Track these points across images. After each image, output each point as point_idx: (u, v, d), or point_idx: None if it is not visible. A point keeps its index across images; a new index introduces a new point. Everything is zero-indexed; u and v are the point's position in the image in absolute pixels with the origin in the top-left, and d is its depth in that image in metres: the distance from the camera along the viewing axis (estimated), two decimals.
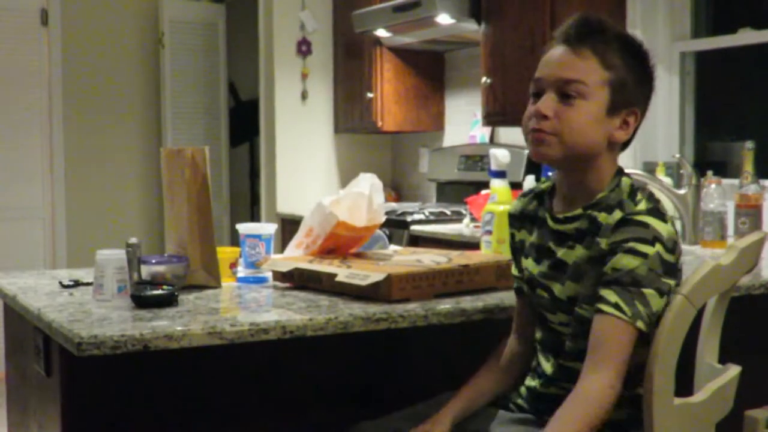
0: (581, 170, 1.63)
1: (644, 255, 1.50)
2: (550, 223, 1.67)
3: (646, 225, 1.52)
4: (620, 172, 1.64)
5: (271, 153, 5.34)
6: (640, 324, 1.49)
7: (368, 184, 2.20)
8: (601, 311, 1.51)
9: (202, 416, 1.86)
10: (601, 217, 1.58)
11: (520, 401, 1.75)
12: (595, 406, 1.48)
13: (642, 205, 1.56)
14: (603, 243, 1.55)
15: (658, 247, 1.51)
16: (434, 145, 5.19)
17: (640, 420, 1.55)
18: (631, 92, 1.60)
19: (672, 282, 1.54)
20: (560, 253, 1.64)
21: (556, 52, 1.61)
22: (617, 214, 1.56)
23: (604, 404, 1.48)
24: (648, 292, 1.50)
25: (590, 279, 1.58)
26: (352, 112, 5.23)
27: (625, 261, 1.51)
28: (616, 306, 1.50)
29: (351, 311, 1.76)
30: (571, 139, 1.58)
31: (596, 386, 1.48)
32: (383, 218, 2.21)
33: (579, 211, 1.62)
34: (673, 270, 1.54)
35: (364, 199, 2.17)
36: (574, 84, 1.57)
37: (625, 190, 1.60)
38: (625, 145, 1.67)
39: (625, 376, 1.51)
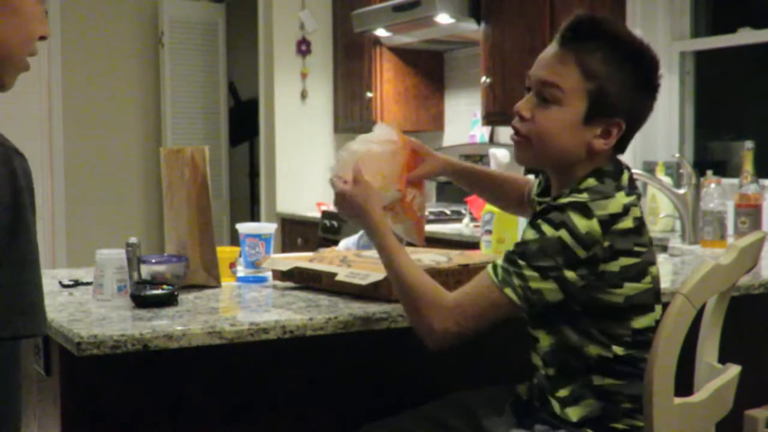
0: (558, 172, 1.65)
1: (542, 233, 1.50)
2: (536, 204, 1.73)
3: (561, 209, 1.51)
4: (595, 172, 1.60)
5: (270, 153, 5.35)
6: (508, 291, 1.50)
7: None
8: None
9: (202, 416, 1.86)
10: None
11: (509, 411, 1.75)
12: (427, 304, 1.54)
13: (571, 197, 1.54)
14: None
15: (562, 232, 1.49)
16: (434, 144, 5.19)
17: (614, 414, 1.58)
18: (614, 102, 1.56)
19: (570, 274, 1.49)
20: None
21: (547, 51, 1.62)
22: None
23: (429, 315, 1.54)
24: (529, 273, 1.49)
25: None
26: (351, 112, 5.23)
27: (526, 233, 1.53)
28: (494, 267, 1.52)
29: (351, 311, 1.76)
30: (539, 144, 1.60)
31: (442, 303, 1.53)
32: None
33: (549, 199, 1.64)
34: (575, 263, 1.49)
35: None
36: (550, 88, 1.58)
37: (575, 186, 1.58)
38: (620, 150, 1.64)
39: (472, 332, 1.55)
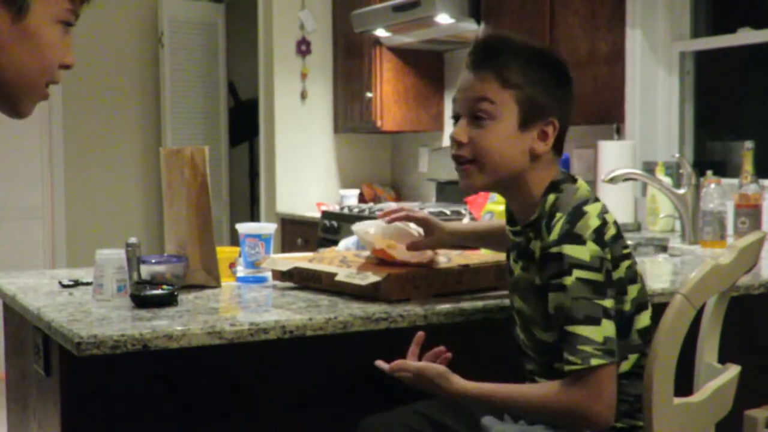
0: (512, 189, 1.66)
1: (563, 288, 1.50)
2: (509, 234, 1.73)
3: (559, 257, 1.51)
4: (551, 186, 1.62)
5: (270, 153, 5.34)
6: (594, 361, 1.47)
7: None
8: (563, 371, 1.51)
9: (202, 416, 1.86)
10: (532, 243, 1.61)
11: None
12: (571, 414, 1.50)
13: (555, 233, 1.54)
14: (536, 279, 1.59)
15: (577, 273, 1.49)
16: (434, 144, 5.19)
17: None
18: (542, 104, 1.60)
19: (606, 301, 1.50)
20: (513, 265, 1.70)
21: (464, 77, 1.65)
22: (537, 245, 1.58)
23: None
24: (579, 329, 1.48)
25: (533, 304, 1.61)
26: (351, 112, 5.23)
27: (554, 300, 1.52)
28: (567, 362, 1.49)
29: (351, 311, 1.76)
30: (489, 162, 1.61)
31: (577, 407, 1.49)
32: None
33: (519, 227, 1.67)
34: (602, 288, 1.50)
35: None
36: (481, 103, 1.60)
37: (547, 212, 1.59)
38: (558, 152, 1.67)
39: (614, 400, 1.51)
